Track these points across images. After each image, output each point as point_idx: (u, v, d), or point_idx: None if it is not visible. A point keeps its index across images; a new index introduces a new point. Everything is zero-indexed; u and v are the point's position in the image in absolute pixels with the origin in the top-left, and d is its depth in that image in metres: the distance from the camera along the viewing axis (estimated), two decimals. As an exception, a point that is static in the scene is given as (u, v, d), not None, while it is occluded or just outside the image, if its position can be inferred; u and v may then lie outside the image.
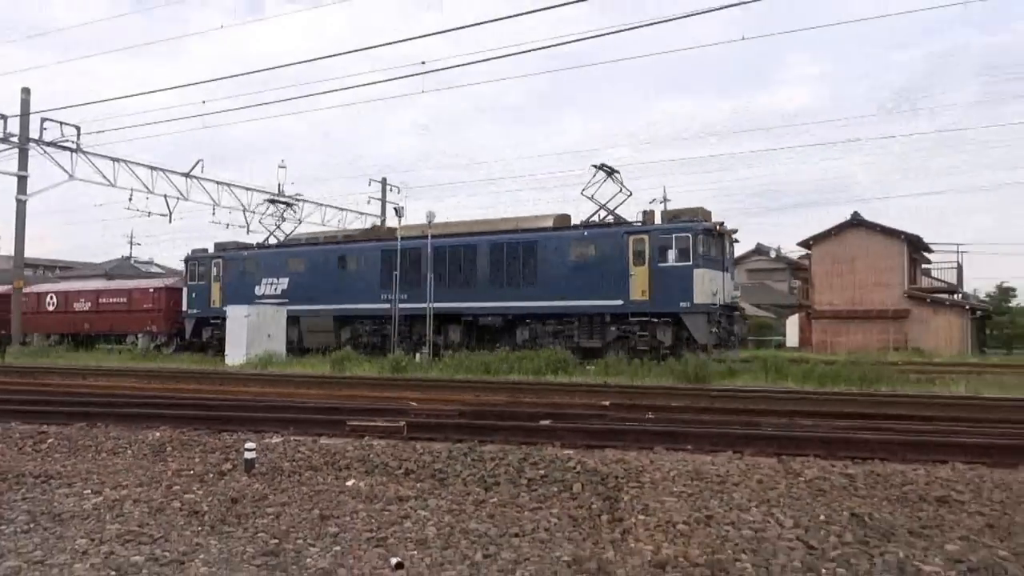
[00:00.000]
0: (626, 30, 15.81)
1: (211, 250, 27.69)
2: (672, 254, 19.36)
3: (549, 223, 22.28)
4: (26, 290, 30.50)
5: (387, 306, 22.49)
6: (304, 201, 34.41)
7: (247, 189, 33.27)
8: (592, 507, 4.98)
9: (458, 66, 29.65)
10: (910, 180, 79.29)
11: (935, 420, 8.14)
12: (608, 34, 21.60)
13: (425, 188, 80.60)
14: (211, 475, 5.99)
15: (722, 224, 20.30)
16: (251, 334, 22.32)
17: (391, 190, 40.96)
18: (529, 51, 28.86)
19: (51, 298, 31.48)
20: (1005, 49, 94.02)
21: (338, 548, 4.31)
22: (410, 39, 25.62)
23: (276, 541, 4.42)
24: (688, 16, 15.20)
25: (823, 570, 3.73)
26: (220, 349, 24.42)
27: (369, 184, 40.52)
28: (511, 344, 21.02)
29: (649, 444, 6.53)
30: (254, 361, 20.64)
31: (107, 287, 32.00)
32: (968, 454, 5.81)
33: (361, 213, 38.61)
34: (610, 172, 22.10)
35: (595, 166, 22.18)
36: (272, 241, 28.30)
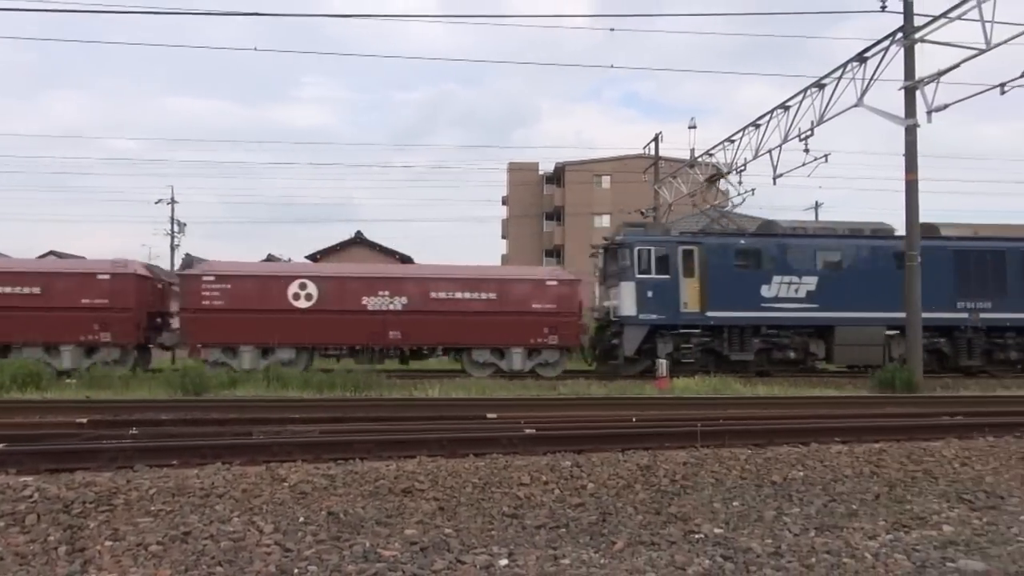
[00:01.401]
0: (125, 12, 14.45)
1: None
2: None
3: None
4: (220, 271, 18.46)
5: (963, 315, 19.76)
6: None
7: None
8: (49, 539, 4.38)
9: None
10: (405, 206, 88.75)
11: (411, 420, 9.17)
12: (105, 12, 19.41)
13: None
14: None
15: None
16: None
17: None
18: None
19: (307, 287, 18.54)
20: (479, 102, 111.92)
21: None
22: None
23: None
24: (203, 14, 14.58)
25: (295, 570, 3.89)
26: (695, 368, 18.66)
27: None
28: None
29: (129, 462, 6.01)
30: None
31: (445, 275, 19.59)
32: (431, 448, 6.68)
33: None
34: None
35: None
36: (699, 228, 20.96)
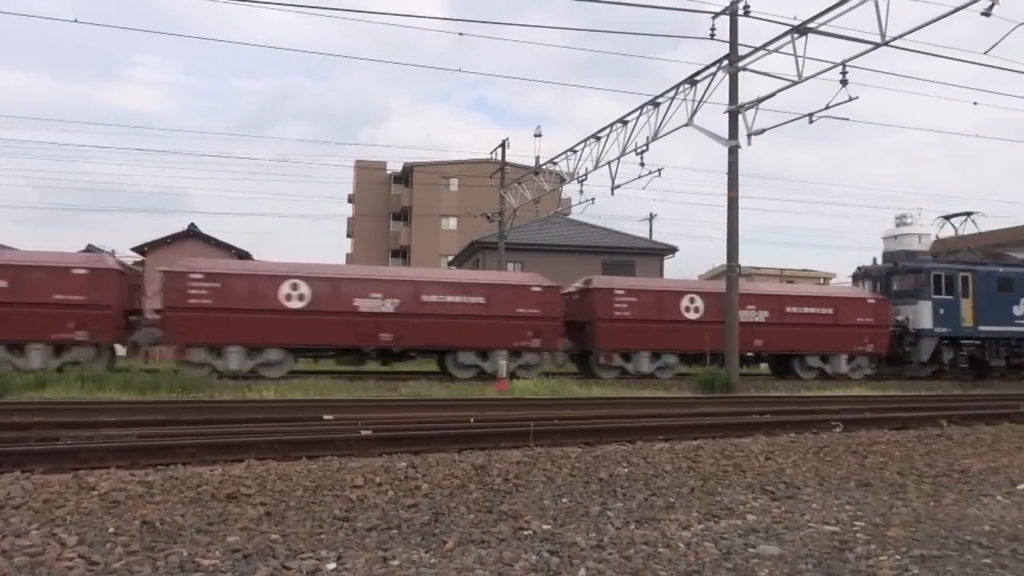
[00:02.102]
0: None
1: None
2: None
3: None
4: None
5: None
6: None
7: None
8: None
9: None
10: (245, 199, 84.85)
11: (242, 422, 8.77)
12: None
13: None
14: None
15: None
16: None
17: None
18: None
19: (691, 301, 21.52)
20: (327, 96, 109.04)
21: None
22: None
23: None
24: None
25: (102, 583, 3.62)
26: (969, 374, 23.96)
27: None
28: None
29: (-95, 473, 5.35)
30: None
31: (799, 293, 24.15)
32: (261, 451, 6.43)
33: None
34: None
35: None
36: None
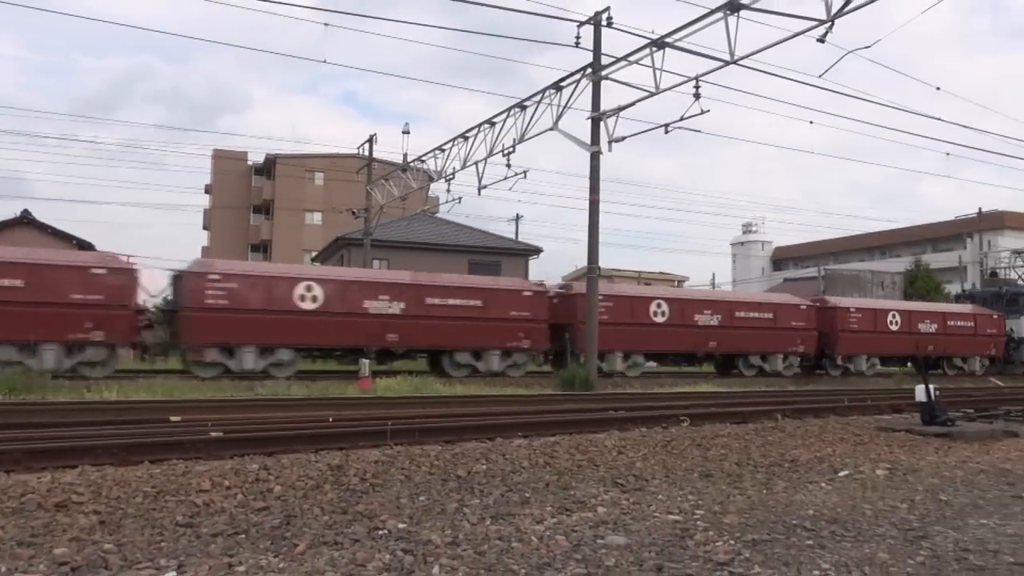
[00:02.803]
0: None
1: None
2: None
3: None
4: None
5: None
6: None
7: None
8: None
9: None
10: (90, 186, 78.76)
11: (78, 425, 8.16)
12: None
13: None
14: None
15: None
16: None
17: None
18: None
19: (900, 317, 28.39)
20: (184, 80, 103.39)
21: None
22: None
23: None
24: None
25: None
26: None
27: None
28: None
29: None
30: None
31: (957, 311, 30.66)
32: (98, 456, 6.01)
33: None
34: None
35: None
36: None
